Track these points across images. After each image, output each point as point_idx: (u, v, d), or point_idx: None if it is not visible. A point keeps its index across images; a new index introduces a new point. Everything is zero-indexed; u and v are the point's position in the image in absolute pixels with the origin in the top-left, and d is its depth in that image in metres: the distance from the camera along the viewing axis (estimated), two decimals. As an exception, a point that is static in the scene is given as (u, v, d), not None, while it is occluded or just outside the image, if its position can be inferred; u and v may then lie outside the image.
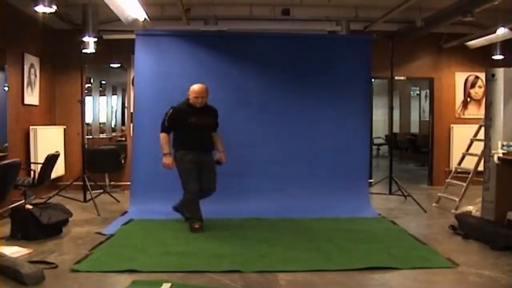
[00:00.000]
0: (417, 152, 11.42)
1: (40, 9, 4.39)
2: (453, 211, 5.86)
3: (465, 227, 4.87)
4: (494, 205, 5.08)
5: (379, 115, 13.87)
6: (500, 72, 5.27)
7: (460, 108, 8.16)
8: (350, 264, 3.80)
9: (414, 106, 13.33)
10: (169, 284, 3.24)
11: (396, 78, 8.02)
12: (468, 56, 7.96)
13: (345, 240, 4.56)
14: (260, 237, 4.63)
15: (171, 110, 4.87)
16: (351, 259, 3.94)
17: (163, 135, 4.85)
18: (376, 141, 13.53)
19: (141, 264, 3.73)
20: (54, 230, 4.61)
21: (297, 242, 4.46)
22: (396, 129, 14.35)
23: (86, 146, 6.68)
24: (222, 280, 3.46)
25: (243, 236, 4.67)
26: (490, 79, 5.33)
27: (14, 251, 3.95)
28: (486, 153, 5.38)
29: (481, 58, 7.81)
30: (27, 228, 4.44)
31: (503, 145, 5.10)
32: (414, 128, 13.07)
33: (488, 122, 5.38)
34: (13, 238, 4.44)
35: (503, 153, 4.92)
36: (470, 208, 5.65)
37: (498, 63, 7.45)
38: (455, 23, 6.84)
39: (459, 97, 8.17)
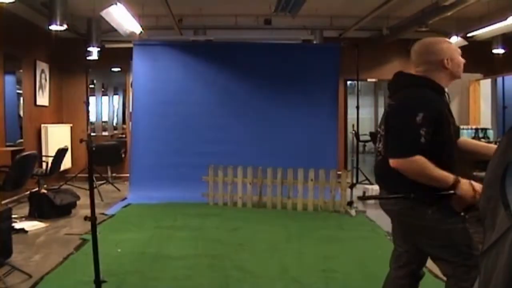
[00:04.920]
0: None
1: (54, 27, 5.30)
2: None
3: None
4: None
5: (365, 113, 14.66)
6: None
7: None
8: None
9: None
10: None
11: (368, 80, 8.90)
12: (433, 60, 8.79)
13: (304, 219, 5.47)
14: (236, 216, 5.54)
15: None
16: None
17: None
18: (362, 138, 14.36)
19: (136, 234, 4.65)
20: (65, 210, 5.53)
21: (266, 220, 5.36)
22: (382, 126, 15.20)
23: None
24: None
25: (223, 215, 5.58)
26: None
27: (33, 225, 4.87)
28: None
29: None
30: (42, 209, 5.35)
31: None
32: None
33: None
34: (31, 217, 5.36)
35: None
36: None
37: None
38: (420, 30, 7.64)
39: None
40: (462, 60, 2.23)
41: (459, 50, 2.25)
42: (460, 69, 2.24)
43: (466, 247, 2.15)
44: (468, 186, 2.05)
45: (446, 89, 2.26)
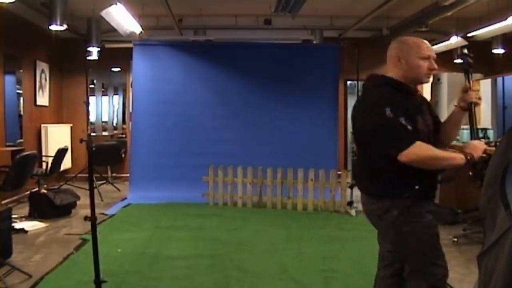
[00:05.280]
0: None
1: (54, 27, 5.31)
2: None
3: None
4: (439, 191, 5.95)
5: (365, 113, 14.67)
6: (444, 77, 6.14)
7: (427, 107, 9.01)
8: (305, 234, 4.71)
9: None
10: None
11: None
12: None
13: (304, 219, 5.47)
14: (236, 216, 5.54)
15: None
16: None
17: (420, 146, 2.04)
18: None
19: (136, 234, 4.65)
20: (65, 210, 5.53)
21: (266, 220, 5.36)
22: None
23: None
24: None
25: (222, 215, 5.58)
26: (436, 82, 6.21)
27: (33, 225, 4.87)
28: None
29: (445, 62, 8.61)
30: (42, 209, 5.35)
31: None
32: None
33: (435, 119, 6.26)
34: (31, 217, 5.36)
35: (443, 146, 5.78)
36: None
37: (459, 67, 8.29)
38: (420, 30, 7.62)
39: (426, 96, 9.00)
40: (424, 66, 2.12)
41: (426, 54, 2.12)
42: (416, 72, 2.12)
43: (427, 253, 2.12)
44: (478, 145, 2.10)
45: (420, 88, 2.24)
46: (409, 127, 2.02)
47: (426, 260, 2.11)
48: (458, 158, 2.05)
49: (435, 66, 2.14)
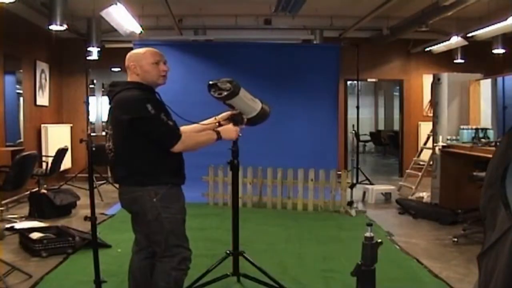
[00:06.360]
0: (397, 148, 12.27)
1: (54, 27, 5.32)
2: (409, 197, 6.72)
3: (409, 208, 5.76)
4: (439, 191, 5.95)
5: (365, 113, 14.66)
6: (444, 77, 6.14)
7: (427, 107, 9.01)
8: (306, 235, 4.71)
9: (396, 105, 14.17)
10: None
11: (368, 80, 8.91)
12: (433, 60, 8.81)
13: (304, 219, 5.47)
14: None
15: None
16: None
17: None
18: (362, 138, 14.36)
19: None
20: (65, 210, 5.53)
21: (266, 220, 5.36)
22: (381, 126, 15.23)
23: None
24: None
25: (222, 215, 5.58)
26: (436, 82, 6.20)
27: (33, 225, 4.86)
28: (434, 146, 6.26)
29: (445, 62, 8.65)
30: (42, 209, 5.36)
31: (447, 139, 5.97)
32: (396, 126, 13.91)
33: (435, 119, 6.26)
34: (31, 217, 5.36)
35: (442, 146, 5.78)
36: (422, 194, 6.53)
37: (459, 67, 8.31)
38: (420, 30, 7.63)
39: (427, 97, 9.02)
40: (155, 70, 2.51)
41: (155, 60, 2.50)
42: (151, 75, 2.51)
43: (174, 237, 2.51)
44: (232, 128, 2.89)
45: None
46: (171, 122, 2.41)
47: (172, 242, 2.49)
48: (212, 138, 2.71)
49: (165, 68, 2.54)
